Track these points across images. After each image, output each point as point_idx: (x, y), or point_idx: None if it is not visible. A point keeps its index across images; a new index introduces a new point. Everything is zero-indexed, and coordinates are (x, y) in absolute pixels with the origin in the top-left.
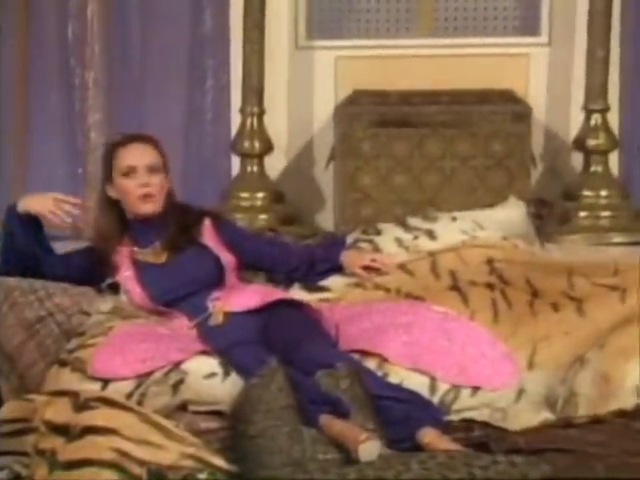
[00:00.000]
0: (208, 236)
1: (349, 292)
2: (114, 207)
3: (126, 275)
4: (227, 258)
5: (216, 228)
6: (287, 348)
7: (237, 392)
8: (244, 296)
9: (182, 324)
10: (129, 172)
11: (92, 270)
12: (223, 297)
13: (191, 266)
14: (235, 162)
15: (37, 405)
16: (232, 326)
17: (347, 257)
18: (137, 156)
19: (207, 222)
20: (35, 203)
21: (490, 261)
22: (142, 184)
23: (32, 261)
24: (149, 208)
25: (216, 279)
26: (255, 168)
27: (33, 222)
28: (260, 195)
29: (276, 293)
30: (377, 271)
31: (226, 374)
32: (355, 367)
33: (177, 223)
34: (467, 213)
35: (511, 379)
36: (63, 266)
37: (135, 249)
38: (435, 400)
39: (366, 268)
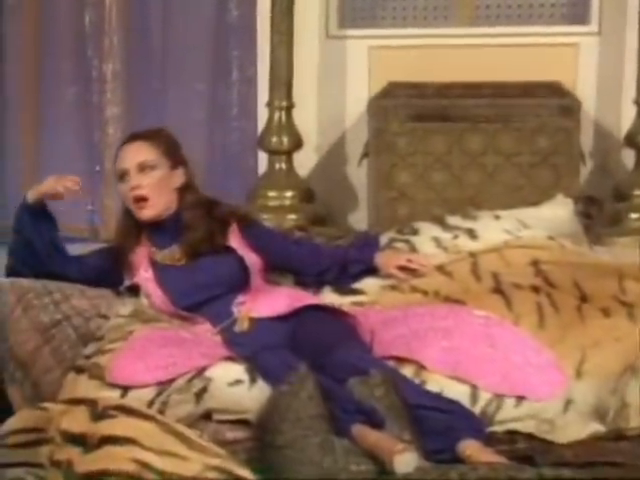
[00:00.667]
0: (233, 236)
1: (384, 295)
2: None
3: (145, 277)
4: (252, 259)
5: (242, 229)
6: (317, 354)
7: (264, 400)
8: (271, 301)
9: (205, 330)
10: (122, 176)
11: (109, 272)
12: (249, 301)
13: (213, 268)
14: (262, 159)
15: (52, 414)
16: (258, 332)
17: (381, 258)
18: (127, 158)
19: (234, 223)
20: (40, 186)
21: (535, 262)
22: (132, 187)
23: (44, 260)
24: (145, 214)
25: (241, 282)
26: (283, 165)
27: (45, 218)
28: (289, 194)
29: (305, 297)
30: (414, 272)
31: (253, 381)
32: (390, 374)
33: (201, 226)
34: (511, 211)
35: (558, 389)
36: (77, 267)
37: (153, 250)
38: (476, 410)
39: (402, 269)
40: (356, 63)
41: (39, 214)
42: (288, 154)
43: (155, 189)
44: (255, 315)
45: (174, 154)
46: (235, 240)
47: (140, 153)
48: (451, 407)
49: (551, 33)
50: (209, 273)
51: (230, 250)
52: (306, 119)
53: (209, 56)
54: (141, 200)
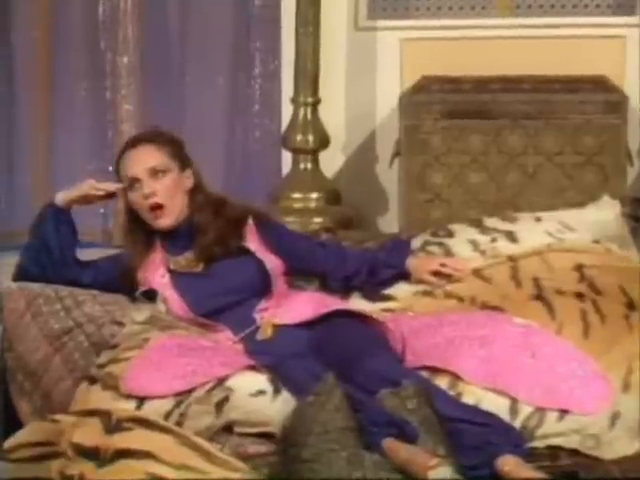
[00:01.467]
0: (251, 238)
1: (417, 301)
2: (140, 217)
3: (162, 282)
4: (272, 262)
5: (260, 229)
6: (345, 363)
7: (289, 412)
8: (295, 306)
9: (226, 337)
10: (133, 183)
11: (123, 278)
12: (271, 308)
13: (232, 273)
14: (286, 159)
15: (63, 426)
16: (282, 340)
17: (414, 262)
18: (136, 164)
19: (250, 222)
20: (74, 189)
21: (579, 267)
22: (145, 195)
23: (59, 264)
24: (162, 223)
25: (262, 287)
26: (309, 165)
27: (68, 224)
28: (314, 195)
29: (332, 303)
30: (448, 277)
31: (276, 392)
32: (423, 385)
33: (212, 229)
34: (553, 213)
35: (604, 402)
36: (91, 274)
37: (167, 257)
38: (516, 424)
39: (436, 274)
40: (387, 56)
41: (63, 219)
42: (314, 153)
43: (169, 195)
44: (278, 322)
45: (181, 155)
46: (253, 241)
47: (150, 158)
48: (488, 420)
49: (596, 24)
50: (228, 278)
51: (248, 252)
52: (333, 116)
53: (229, 49)
54: (157, 208)
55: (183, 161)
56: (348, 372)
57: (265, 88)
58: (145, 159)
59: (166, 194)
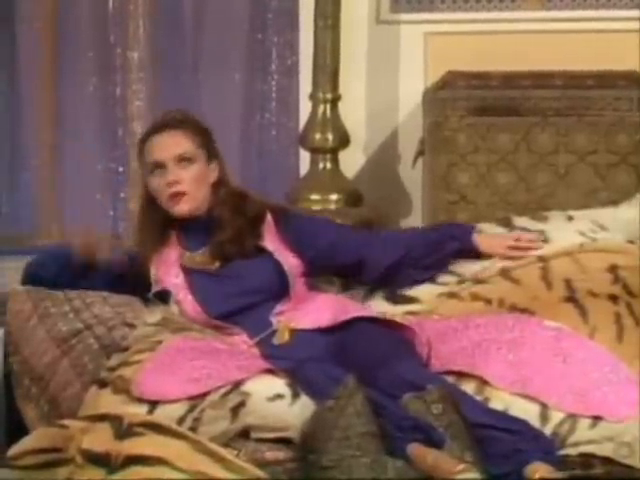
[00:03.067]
0: (269, 236)
1: (441, 303)
2: (157, 204)
3: (175, 282)
4: (291, 263)
5: (279, 226)
6: (368, 367)
7: (308, 416)
8: (314, 310)
9: (242, 341)
10: (156, 168)
11: (135, 279)
12: (288, 311)
13: (248, 274)
14: (304, 158)
15: (72, 432)
16: (299, 345)
17: (482, 238)
18: (164, 149)
19: (269, 219)
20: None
21: (613, 268)
22: (169, 182)
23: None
24: (182, 209)
25: (279, 289)
26: (328, 165)
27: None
28: (334, 197)
29: (352, 308)
30: (525, 251)
31: (295, 396)
32: (449, 390)
33: (230, 226)
34: (585, 212)
35: (638, 408)
36: (104, 279)
37: (183, 251)
38: (547, 431)
39: (512, 249)
40: (411, 51)
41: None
42: (333, 152)
43: (193, 185)
44: (296, 326)
45: (209, 145)
46: (271, 240)
47: (179, 144)
48: (517, 427)
49: (631, 17)
50: (244, 279)
51: (265, 252)
52: (354, 113)
53: (245, 43)
54: (177, 196)
55: (210, 152)
56: (371, 376)
57: (282, 84)
58: (173, 145)
59: (191, 184)
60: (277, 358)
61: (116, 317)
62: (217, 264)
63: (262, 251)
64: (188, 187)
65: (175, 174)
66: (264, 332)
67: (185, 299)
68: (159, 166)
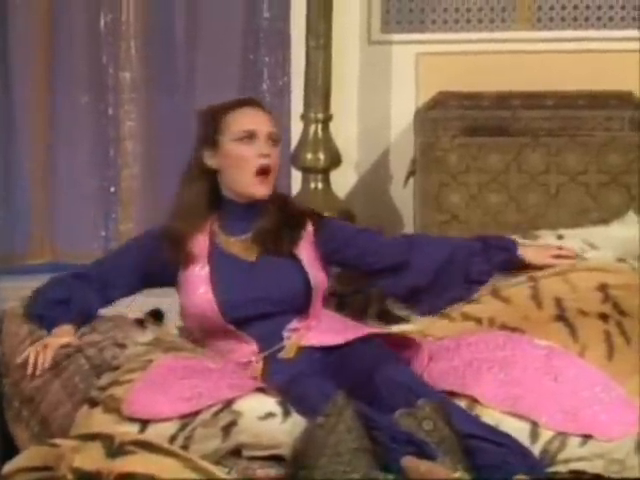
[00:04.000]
0: (305, 245)
1: (433, 323)
2: (208, 179)
3: (199, 275)
4: (318, 278)
5: (318, 235)
6: (364, 370)
7: (299, 434)
8: (323, 329)
9: (249, 352)
10: (248, 137)
11: (159, 270)
12: (302, 329)
13: (277, 279)
14: (296, 177)
15: (63, 450)
16: (301, 361)
17: (527, 250)
18: (258, 121)
19: (309, 228)
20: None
21: (603, 287)
22: (262, 153)
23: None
24: (263, 191)
25: (301, 303)
26: (319, 185)
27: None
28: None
29: (356, 328)
30: (569, 259)
31: (286, 414)
32: (440, 402)
33: (275, 216)
34: (576, 231)
35: (630, 428)
36: (123, 290)
37: (222, 235)
38: (537, 448)
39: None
40: (402, 71)
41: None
42: (325, 172)
43: (276, 167)
44: (305, 344)
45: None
46: (306, 250)
47: (270, 123)
48: (505, 441)
49: (622, 38)
50: (271, 285)
51: (297, 262)
52: (345, 133)
53: (237, 63)
54: (264, 173)
55: None
56: (366, 384)
57: (274, 104)
58: (267, 122)
59: (275, 164)
60: (277, 372)
61: (106, 339)
62: (253, 257)
63: (294, 260)
64: (274, 166)
65: (267, 148)
66: (274, 346)
67: (204, 296)
68: (250, 136)
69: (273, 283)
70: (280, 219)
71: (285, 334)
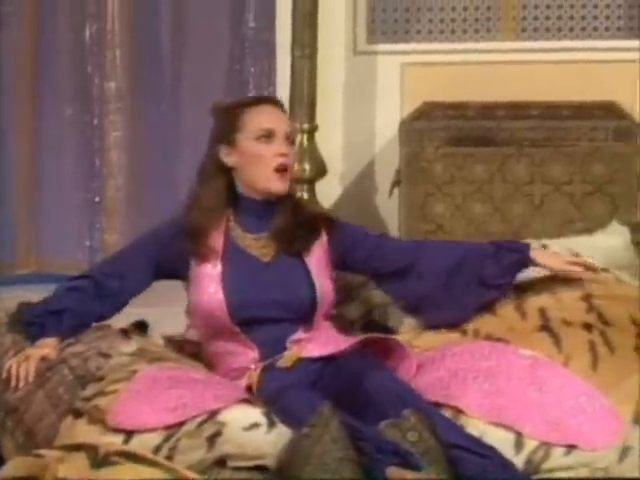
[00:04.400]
0: (317, 253)
1: (418, 334)
2: (224, 176)
3: (211, 273)
4: (325, 288)
5: (329, 236)
6: (353, 374)
7: (284, 444)
8: (323, 341)
9: (250, 357)
10: (267, 136)
11: (174, 264)
12: (304, 341)
13: (288, 285)
14: None
15: (48, 461)
16: (298, 370)
17: (539, 253)
18: (277, 120)
19: (324, 238)
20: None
21: (588, 297)
22: (281, 153)
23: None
24: (282, 187)
25: (306, 312)
26: (305, 195)
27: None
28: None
29: (351, 339)
30: (583, 267)
31: (271, 425)
32: (425, 412)
33: (291, 214)
34: (560, 241)
35: (614, 438)
36: (130, 293)
37: (239, 231)
38: (521, 458)
39: (571, 264)
40: (387, 81)
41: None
42: (310, 182)
43: (293, 166)
44: (304, 355)
45: None
46: (316, 258)
47: (287, 123)
48: (488, 452)
49: (606, 48)
50: (282, 288)
51: (309, 274)
52: (331, 143)
53: (223, 72)
54: (284, 170)
55: None
56: (355, 390)
57: None
58: (285, 121)
59: (292, 164)
60: (270, 380)
61: (90, 349)
62: (268, 257)
63: (305, 268)
64: (291, 166)
65: (285, 147)
66: (275, 355)
67: (214, 296)
68: (269, 135)
69: (283, 288)
70: (296, 219)
71: (288, 344)
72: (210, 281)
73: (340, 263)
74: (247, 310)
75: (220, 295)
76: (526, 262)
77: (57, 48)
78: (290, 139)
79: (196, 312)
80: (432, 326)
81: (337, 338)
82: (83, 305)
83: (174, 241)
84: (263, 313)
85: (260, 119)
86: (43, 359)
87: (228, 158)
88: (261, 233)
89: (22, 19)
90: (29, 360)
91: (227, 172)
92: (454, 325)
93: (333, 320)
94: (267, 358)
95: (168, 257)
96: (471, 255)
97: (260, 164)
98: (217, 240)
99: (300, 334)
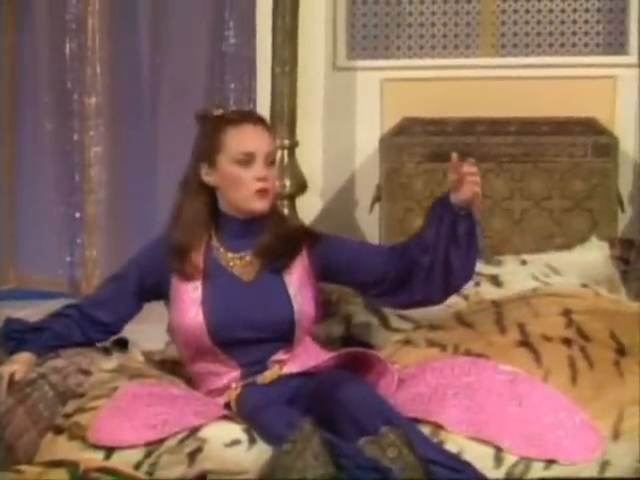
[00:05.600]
0: (297, 270)
1: (398, 350)
2: (206, 194)
3: (192, 297)
4: (304, 307)
5: (310, 251)
6: (330, 385)
7: (265, 460)
8: (305, 358)
9: (231, 377)
10: (246, 159)
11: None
12: (286, 360)
13: (269, 307)
14: None
15: (28, 477)
16: (278, 386)
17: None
18: (258, 142)
19: (304, 254)
20: None
21: (567, 312)
22: (260, 177)
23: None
24: (263, 205)
25: (286, 333)
26: (286, 211)
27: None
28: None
29: (330, 354)
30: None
31: (252, 441)
32: (403, 428)
33: (277, 233)
34: (539, 256)
35: (593, 453)
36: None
37: (222, 250)
38: (501, 472)
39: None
40: (367, 97)
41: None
42: (291, 198)
43: (274, 186)
44: (285, 372)
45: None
46: (297, 276)
47: (268, 142)
48: (463, 467)
49: (585, 64)
50: (261, 310)
51: (287, 293)
52: (311, 159)
53: (203, 88)
54: (264, 191)
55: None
56: (333, 404)
57: None
58: (267, 142)
59: (273, 185)
60: (249, 396)
61: (70, 365)
62: (252, 275)
63: (284, 287)
64: (272, 187)
65: (264, 171)
66: (256, 375)
67: (194, 318)
68: (248, 159)
69: (263, 309)
70: (277, 237)
71: (269, 364)
72: (191, 304)
73: (323, 275)
74: (228, 332)
75: (200, 318)
76: (455, 210)
77: (37, 63)
78: (271, 159)
79: (177, 333)
80: (403, 307)
81: (318, 354)
82: (66, 329)
83: (156, 262)
84: (244, 335)
85: (240, 141)
86: (11, 376)
87: (208, 177)
88: (243, 252)
89: (2, 34)
90: None
91: (209, 190)
92: (426, 304)
93: (313, 336)
94: (248, 377)
95: (152, 279)
96: (418, 236)
97: (240, 187)
98: (199, 259)
99: (281, 354)
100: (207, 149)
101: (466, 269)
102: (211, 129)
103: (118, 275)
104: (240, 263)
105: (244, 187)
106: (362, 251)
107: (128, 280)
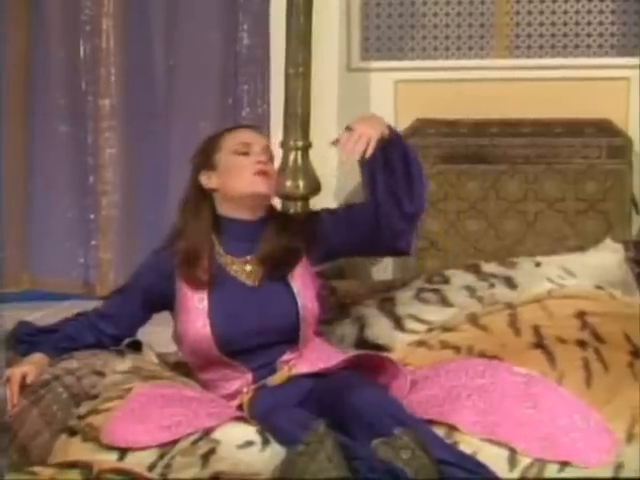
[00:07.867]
0: (300, 271)
1: (411, 352)
2: (207, 202)
3: (198, 307)
4: (309, 308)
5: (310, 250)
6: (340, 389)
7: (279, 462)
8: (314, 357)
9: (242, 381)
10: (245, 149)
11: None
12: (294, 359)
13: (275, 310)
14: (276, 204)
15: (41, 478)
16: (289, 388)
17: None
18: (253, 136)
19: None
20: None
21: (581, 314)
22: (260, 160)
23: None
24: (265, 187)
25: (293, 334)
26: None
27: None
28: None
29: (345, 354)
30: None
31: (265, 443)
32: (416, 429)
33: (280, 235)
34: (554, 258)
35: (607, 455)
36: (127, 329)
37: (225, 256)
38: (515, 474)
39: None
40: (380, 98)
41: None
42: (304, 199)
43: (274, 176)
44: (295, 372)
45: None
46: (300, 276)
47: (265, 140)
48: (479, 469)
49: (599, 65)
50: (268, 315)
51: (292, 294)
52: (325, 160)
53: (217, 90)
54: (264, 174)
55: None
56: (345, 407)
57: None
58: (261, 138)
59: (273, 172)
60: (261, 399)
61: (84, 367)
62: (256, 280)
63: (288, 289)
64: (272, 173)
65: (264, 157)
66: (267, 377)
67: (201, 330)
68: (246, 148)
69: (269, 313)
70: (280, 241)
71: (278, 365)
72: (197, 315)
73: (330, 253)
74: (236, 342)
75: (208, 330)
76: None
77: (51, 65)
78: (268, 153)
79: (184, 344)
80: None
81: (329, 355)
82: (78, 331)
83: (160, 273)
84: (252, 342)
85: (238, 137)
86: (23, 377)
87: (209, 181)
88: (247, 256)
89: (16, 35)
90: (10, 381)
91: (209, 198)
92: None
93: (325, 336)
94: (259, 380)
95: (157, 290)
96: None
97: (241, 172)
98: (204, 268)
99: (289, 355)
100: (205, 156)
101: (413, 194)
102: (208, 141)
103: (124, 288)
104: (244, 268)
105: (245, 171)
106: (350, 212)
107: (134, 293)
